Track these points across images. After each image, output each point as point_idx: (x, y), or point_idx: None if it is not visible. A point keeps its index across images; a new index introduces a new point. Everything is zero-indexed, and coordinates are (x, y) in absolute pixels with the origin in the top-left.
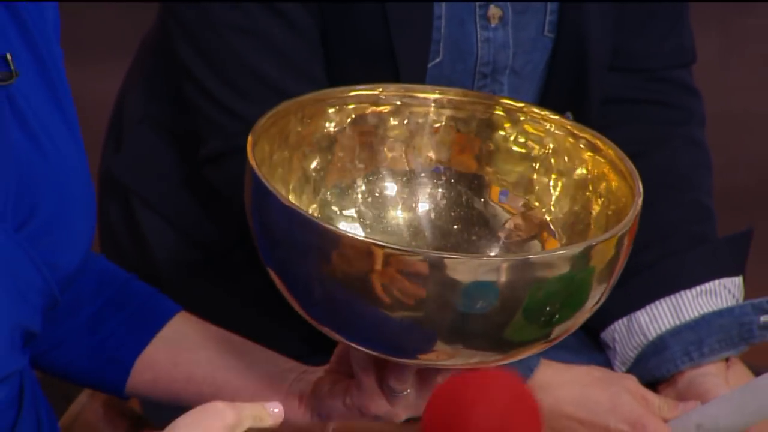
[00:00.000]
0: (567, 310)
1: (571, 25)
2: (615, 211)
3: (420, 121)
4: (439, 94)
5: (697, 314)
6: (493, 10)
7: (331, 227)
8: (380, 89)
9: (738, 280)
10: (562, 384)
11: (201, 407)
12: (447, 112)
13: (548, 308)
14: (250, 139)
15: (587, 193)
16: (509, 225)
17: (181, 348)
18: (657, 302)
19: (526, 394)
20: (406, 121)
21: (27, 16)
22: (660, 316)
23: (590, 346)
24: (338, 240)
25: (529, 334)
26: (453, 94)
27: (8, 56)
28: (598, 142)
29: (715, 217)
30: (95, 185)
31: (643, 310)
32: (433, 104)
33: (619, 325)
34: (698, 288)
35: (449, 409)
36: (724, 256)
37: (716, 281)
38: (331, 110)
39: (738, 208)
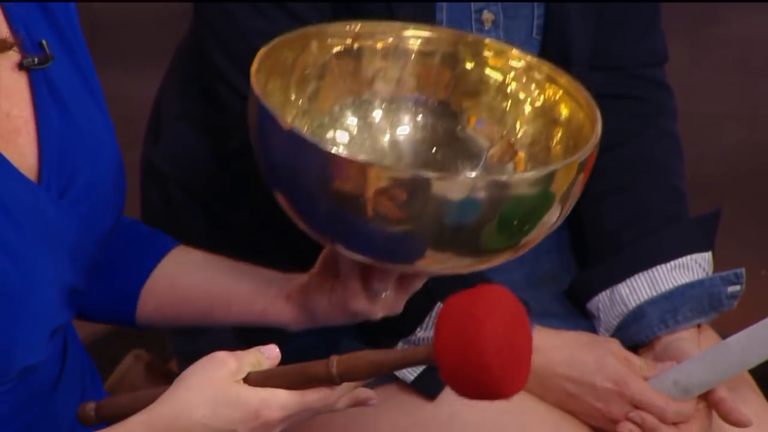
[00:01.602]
0: (532, 223)
1: (556, 28)
2: (574, 139)
3: (401, 55)
4: (415, 30)
5: (671, 286)
6: (487, 15)
7: (330, 149)
8: (360, 25)
9: (708, 256)
10: (553, 347)
11: (206, 358)
12: (426, 47)
13: (516, 221)
14: (253, 68)
15: (551, 122)
16: (484, 150)
17: (178, 274)
18: (636, 276)
19: (522, 308)
20: (388, 55)
21: (55, 8)
22: (638, 288)
23: (577, 314)
24: (337, 160)
25: (500, 242)
26: (429, 32)
27: (44, 42)
28: (558, 76)
29: (687, 199)
30: (138, 174)
31: (623, 283)
32: (411, 40)
33: (603, 297)
34: (672, 263)
35: (461, 321)
36: (696, 233)
37: (688, 256)
38: (317, 44)
39: (706, 195)
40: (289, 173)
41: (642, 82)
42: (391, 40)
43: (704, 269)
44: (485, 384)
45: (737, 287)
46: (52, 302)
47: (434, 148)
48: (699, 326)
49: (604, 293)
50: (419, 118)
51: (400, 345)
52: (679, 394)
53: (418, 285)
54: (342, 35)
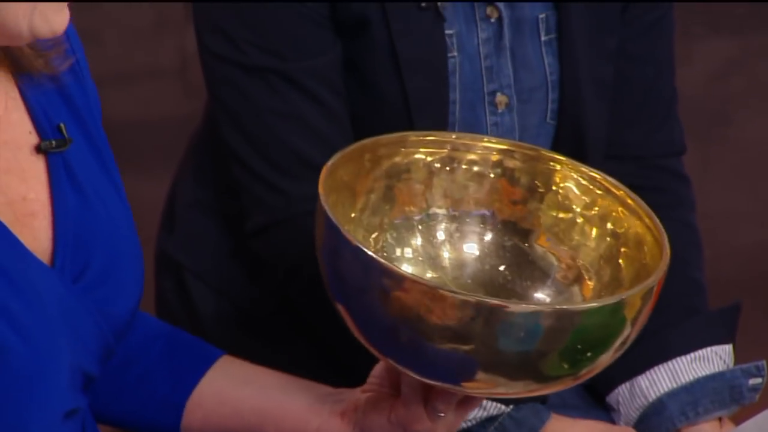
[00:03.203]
0: (597, 352)
1: (570, 113)
2: (643, 264)
3: (469, 168)
4: (488, 142)
5: (692, 378)
6: (500, 98)
7: (394, 268)
8: (433, 136)
9: (729, 348)
10: None
11: None
12: (491, 159)
13: (581, 351)
14: (321, 186)
15: (620, 246)
16: (551, 269)
17: (226, 386)
18: (656, 368)
19: None
20: (455, 168)
21: (73, 93)
22: (659, 380)
23: (596, 407)
24: (400, 280)
25: (562, 371)
26: (501, 144)
27: (62, 126)
28: (629, 200)
29: (706, 290)
30: (151, 265)
31: (643, 375)
32: (481, 152)
33: (623, 389)
34: (693, 354)
35: None
36: (716, 326)
37: (709, 348)
38: (373, 158)
39: (725, 294)
40: (353, 289)
41: (660, 173)
42: (445, 151)
43: (725, 362)
44: None
45: (759, 380)
46: (65, 385)
47: (500, 266)
48: (720, 420)
49: (624, 386)
50: (483, 234)
51: None
52: None
53: (479, 403)
54: (397, 147)
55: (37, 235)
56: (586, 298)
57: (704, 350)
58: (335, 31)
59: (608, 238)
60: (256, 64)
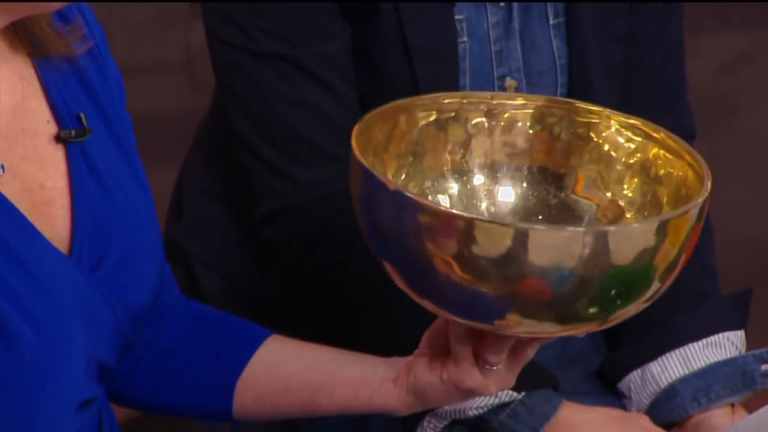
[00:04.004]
0: (635, 292)
1: (579, 97)
2: (682, 196)
3: (493, 123)
4: (520, 99)
5: (704, 364)
6: (509, 82)
7: (430, 203)
8: (468, 97)
9: (741, 334)
10: (582, 423)
11: None
12: (526, 114)
13: (614, 291)
14: (353, 141)
15: (662, 189)
16: (590, 214)
17: (276, 363)
18: (667, 354)
19: None
20: (481, 124)
21: (93, 82)
22: (670, 366)
23: (607, 393)
24: (436, 214)
25: (594, 311)
26: (536, 100)
27: (81, 115)
28: (670, 141)
29: (718, 276)
30: None
31: (655, 362)
32: (512, 109)
33: (634, 376)
34: (704, 340)
35: None
36: (728, 311)
37: (721, 334)
38: (419, 113)
39: (735, 283)
40: (395, 236)
41: None
42: (480, 109)
43: (737, 347)
44: None
45: None
46: (78, 375)
47: (537, 216)
48: (733, 406)
49: (635, 372)
50: (519, 185)
51: (426, 419)
52: None
53: (530, 355)
54: (431, 107)
55: (54, 224)
56: None
57: (716, 336)
58: (344, 16)
59: (650, 183)
60: (266, 50)
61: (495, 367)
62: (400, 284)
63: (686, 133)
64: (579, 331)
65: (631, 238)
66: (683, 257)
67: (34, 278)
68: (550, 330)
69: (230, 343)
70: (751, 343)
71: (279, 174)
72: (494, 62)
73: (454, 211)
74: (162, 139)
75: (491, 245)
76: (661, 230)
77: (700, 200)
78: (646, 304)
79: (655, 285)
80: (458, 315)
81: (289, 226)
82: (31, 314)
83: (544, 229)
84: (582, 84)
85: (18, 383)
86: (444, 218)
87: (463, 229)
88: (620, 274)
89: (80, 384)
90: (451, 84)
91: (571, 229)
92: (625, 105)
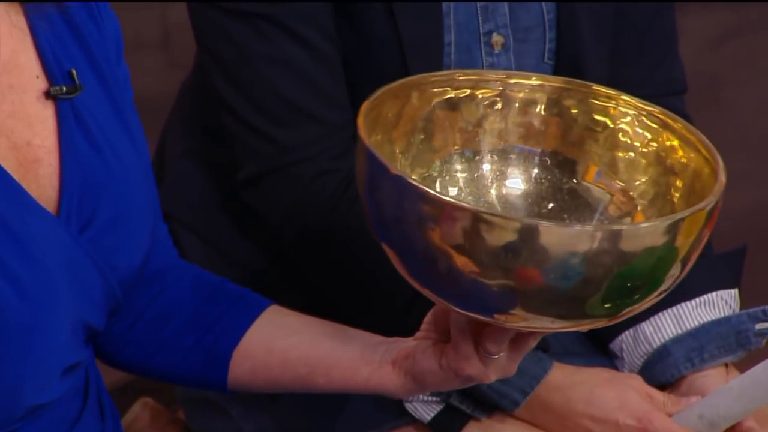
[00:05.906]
0: (645, 290)
1: (568, 53)
2: (695, 188)
3: (507, 104)
4: (536, 80)
5: (697, 323)
6: (496, 38)
7: (434, 193)
8: (482, 75)
9: (734, 293)
10: (573, 384)
11: None
12: (542, 96)
13: (629, 285)
14: (360, 121)
15: (676, 180)
16: (601, 203)
17: (274, 335)
18: (660, 314)
19: None
20: (493, 105)
21: (88, 36)
22: (663, 326)
23: (598, 353)
24: (440, 205)
25: (604, 309)
26: (549, 81)
27: (73, 71)
28: (687, 133)
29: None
30: None
31: (647, 321)
32: (528, 90)
33: (626, 336)
34: (698, 299)
35: None
36: (721, 270)
37: (714, 293)
38: (432, 90)
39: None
40: (396, 222)
41: None
42: (496, 88)
43: (731, 306)
44: None
45: (766, 324)
46: (64, 339)
47: (547, 202)
48: (726, 366)
49: (627, 332)
50: (530, 170)
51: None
52: (706, 429)
53: (532, 344)
54: (445, 84)
55: (42, 183)
56: None
57: (710, 295)
58: None
59: (664, 175)
60: (245, 10)
61: (496, 356)
62: (401, 271)
63: (678, 86)
64: (584, 327)
65: (641, 238)
66: (694, 255)
67: (18, 239)
68: (553, 326)
69: (229, 311)
70: (745, 304)
71: (260, 136)
72: (480, 18)
73: (458, 202)
74: (141, 118)
75: (495, 239)
76: (672, 230)
77: (713, 199)
78: (654, 301)
79: (665, 284)
80: (459, 307)
81: (271, 189)
82: (14, 277)
83: (552, 225)
84: (571, 40)
85: (1, 347)
86: (447, 209)
87: (467, 221)
88: (629, 273)
89: (66, 347)
90: (436, 41)
91: (579, 226)
92: (615, 60)
